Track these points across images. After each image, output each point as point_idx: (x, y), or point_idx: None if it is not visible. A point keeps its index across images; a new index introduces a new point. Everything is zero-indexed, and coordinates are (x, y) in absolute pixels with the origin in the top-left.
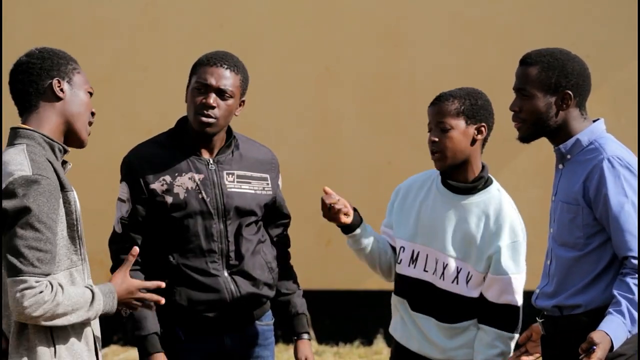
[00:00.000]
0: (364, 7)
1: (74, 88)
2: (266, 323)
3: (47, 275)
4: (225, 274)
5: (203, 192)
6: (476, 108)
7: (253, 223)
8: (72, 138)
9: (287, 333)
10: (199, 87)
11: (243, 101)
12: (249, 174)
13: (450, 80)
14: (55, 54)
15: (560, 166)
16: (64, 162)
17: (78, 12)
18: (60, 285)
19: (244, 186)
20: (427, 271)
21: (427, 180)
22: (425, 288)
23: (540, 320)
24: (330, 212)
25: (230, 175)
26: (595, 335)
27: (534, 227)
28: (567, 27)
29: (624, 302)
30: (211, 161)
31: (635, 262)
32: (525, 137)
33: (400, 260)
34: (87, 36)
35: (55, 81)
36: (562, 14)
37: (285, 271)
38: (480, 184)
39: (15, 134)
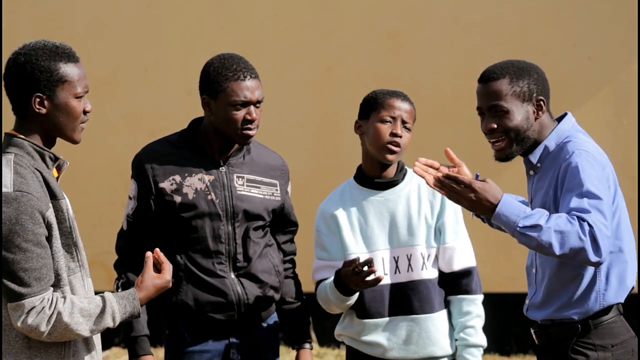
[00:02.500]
0: (365, 8)
1: (57, 100)
2: (272, 325)
3: (47, 290)
4: (232, 275)
5: (212, 193)
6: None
7: (260, 228)
8: (63, 139)
9: (289, 337)
10: (239, 104)
11: None
12: (258, 178)
13: (451, 81)
14: (37, 65)
15: (532, 172)
16: (57, 159)
17: (79, 12)
18: (64, 297)
19: (253, 190)
20: (386, 274)
21: (343, 195)
22: (394, 290)
23: (534, 330)
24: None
25: (240, 179)
26: (491, 182)
27: None
28: (568, 28)
29: (543, 213)
30: (222, 163)
31: (579, 214)
32: (511, 154)
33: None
34: (87, 36)
35: (34, 98)
36: (563, 16)
37: (290, 279)
38: (403, 173)
39: (7, 140)
